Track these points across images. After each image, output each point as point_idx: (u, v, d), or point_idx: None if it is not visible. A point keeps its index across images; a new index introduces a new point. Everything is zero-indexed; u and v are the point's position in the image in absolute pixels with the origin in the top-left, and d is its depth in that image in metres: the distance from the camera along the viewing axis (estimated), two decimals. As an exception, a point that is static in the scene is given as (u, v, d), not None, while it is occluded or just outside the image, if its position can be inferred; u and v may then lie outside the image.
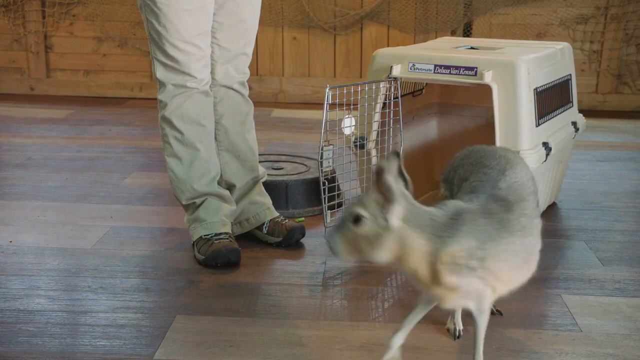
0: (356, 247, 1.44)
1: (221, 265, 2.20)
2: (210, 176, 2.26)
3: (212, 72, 2.25)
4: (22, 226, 2.55)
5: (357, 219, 1.42)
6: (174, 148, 2.22)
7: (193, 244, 2.29)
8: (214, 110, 2.28)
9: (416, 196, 1.45)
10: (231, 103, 2.31)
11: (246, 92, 2.35)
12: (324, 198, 2.27)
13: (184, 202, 2.27)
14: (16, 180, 3.07)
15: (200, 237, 2.25)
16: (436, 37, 4.54)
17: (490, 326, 1.88)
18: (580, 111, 2.92)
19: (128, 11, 4.77)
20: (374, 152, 2.46)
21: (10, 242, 2.40)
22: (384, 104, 2.42)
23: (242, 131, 2.34)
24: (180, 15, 2.09)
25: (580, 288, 2.12)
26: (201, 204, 2.26)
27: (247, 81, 2.36)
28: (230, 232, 2.30)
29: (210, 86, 2.25)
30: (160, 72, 2.17)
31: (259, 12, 2.30)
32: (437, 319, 1.92)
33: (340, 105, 2.27)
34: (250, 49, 2.31)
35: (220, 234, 2.25)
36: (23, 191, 2.93)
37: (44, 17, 4.80)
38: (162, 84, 2.18)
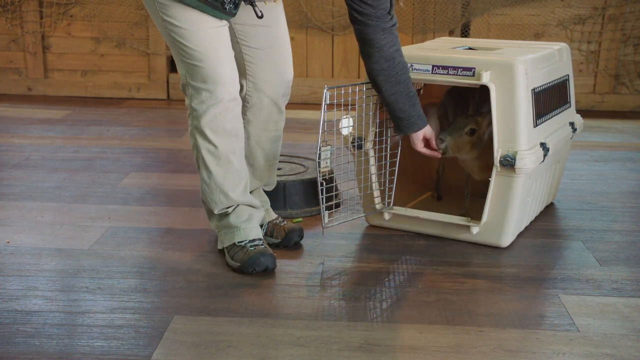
0: (460, 147, 2.37)
1: (257, 272, 2.18)
2: (242, 185, 2.22)
3: (253, 77, 2.24)
4: (20, 227, 2.55)
5: (472, 131, 2.36)
6: (207, 161, 2.16)
7: (223, 250, 2.26)
8: (242, 116, 2.26)
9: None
10: (264, 114, 2.30)
11: (285, 103, 2.34)
12: (322, 198, 2.27)
13: (216, 212, 2.23)
14: (14, 181, 3.07)
15: (234, 243, 2.22)
16: (434, 38, 4.55)
17: (487, 326, 1.89)
18: (578, 111, 2.92)
19: (126, 11, 4.77)
20: (371, 153, 2.46)
21: (8, 242, 2.40)
22: (382, 104, 2.41)
23: (265, 142, 2.34)
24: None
25: (578, 288, 2.12)
26: (233, 210, 2.23)
27: None
28: (262, 237, 2.28)
29: (245, 93, 2.24)
30: (191, 78, 2.11)
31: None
32: (435, 319, 1.92)
33: (338, 105, 2.27)
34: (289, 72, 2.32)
35: (254, 240, 2.22)
36: (21, 191, 2.93)
37: (41, 18, 4.80)
38: (195, 90, 2.11)
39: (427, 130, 2.34)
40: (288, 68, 2.30)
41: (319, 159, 2.25)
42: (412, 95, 2.27)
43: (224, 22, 2.11)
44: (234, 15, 2.10)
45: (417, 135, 2.33)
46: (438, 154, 2.38)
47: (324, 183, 2.27)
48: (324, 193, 2.26)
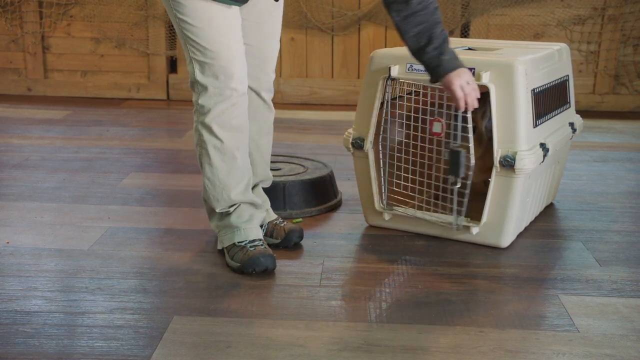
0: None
1: (257, 273, 2.18)
2: (245, 183, 2.23)
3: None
4: (20, 227, 2.55)
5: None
6: (211, 156, 2.16)
7: (223, 250, 2.26)
8: None
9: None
10: (252, 107, 2.29)
11: (269, 97, 2.34)
12: (457, 201, 2.24)
13: (217, 210, 2.23)
14: (13, 181, 3.07)
15: (234, 244, 2.21)
16: (434, 38, 4.54)
17: (487, 326, 1.89)
18: (578, 112, 2.92)
19: (125, 12, 4.77)
20: (371, 154, 2.46)
21: (8, 243, 2.40)
22: (382, 104, 2.42)
23: (257, 136, 2.34)
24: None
25: (578, 288, 2.12)
26: (234, 210, 2.23)
27: None
28: (263, 238, 2.29)
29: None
30: (201, 75, 2.11)
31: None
32: (435, 319, 1.92)
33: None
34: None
35: (254, 240, 2.22)
36: (20, 192, 2.93)
37: (41, 18, 4.80)
38: (203, 87, 2.11)
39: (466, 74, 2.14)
40: (270, 62, 2.30)
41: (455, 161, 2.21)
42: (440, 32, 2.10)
43: (237, 16, 2.12)
44: (245, 1, 2.10)
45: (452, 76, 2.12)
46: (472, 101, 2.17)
47: (461, 186, 2.25)
48: (463, 197, 2.25)
